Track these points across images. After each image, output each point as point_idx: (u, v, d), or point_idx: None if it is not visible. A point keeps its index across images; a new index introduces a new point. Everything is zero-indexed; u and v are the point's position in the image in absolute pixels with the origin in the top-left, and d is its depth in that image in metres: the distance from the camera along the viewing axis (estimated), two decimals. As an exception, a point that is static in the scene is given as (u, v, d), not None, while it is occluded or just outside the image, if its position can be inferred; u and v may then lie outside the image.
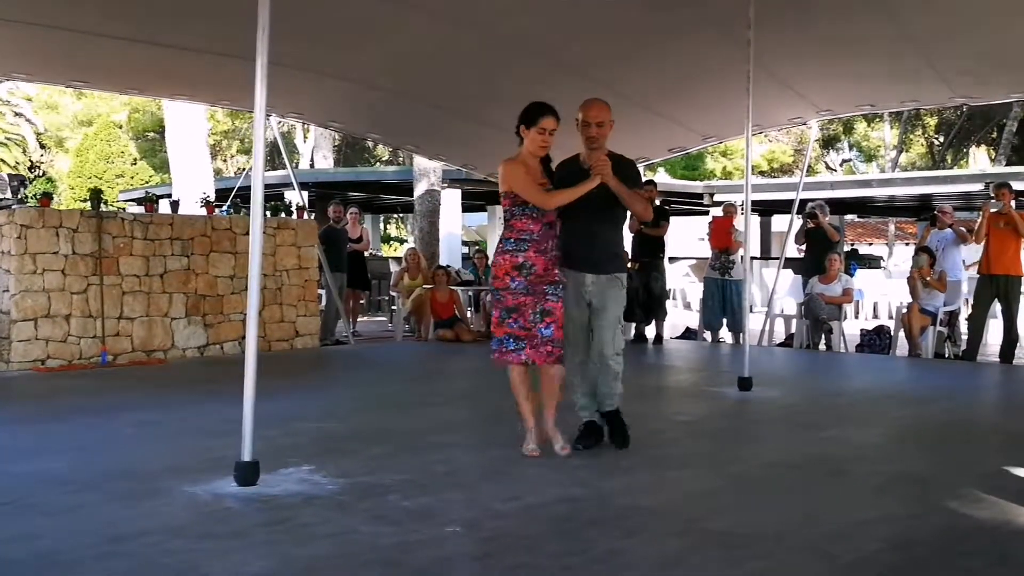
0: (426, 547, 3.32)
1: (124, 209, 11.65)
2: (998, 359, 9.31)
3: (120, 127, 30.65)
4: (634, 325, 11.35)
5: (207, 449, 4.84)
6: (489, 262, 12.75)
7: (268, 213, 10.34)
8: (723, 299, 10.96)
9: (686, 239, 21.76)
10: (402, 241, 38.11)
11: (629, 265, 11.26)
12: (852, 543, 3.39)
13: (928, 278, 9.74)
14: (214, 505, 3.84)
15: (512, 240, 4.71)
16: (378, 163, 35.81)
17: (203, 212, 9.76)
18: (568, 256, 4.82)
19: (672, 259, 18.40)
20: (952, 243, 10.51)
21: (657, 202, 11.86)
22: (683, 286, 19.06)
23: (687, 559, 3.23)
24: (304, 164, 30.15)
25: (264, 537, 3.44)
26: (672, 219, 12.63)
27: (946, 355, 9.90)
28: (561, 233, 4.83)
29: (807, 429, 5.69)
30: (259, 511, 3.78)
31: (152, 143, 31.66)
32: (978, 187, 16.71)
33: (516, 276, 4.66)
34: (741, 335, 9.41)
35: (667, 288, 12.27)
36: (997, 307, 9.41)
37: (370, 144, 33.58)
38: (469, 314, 12.36)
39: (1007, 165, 27.12)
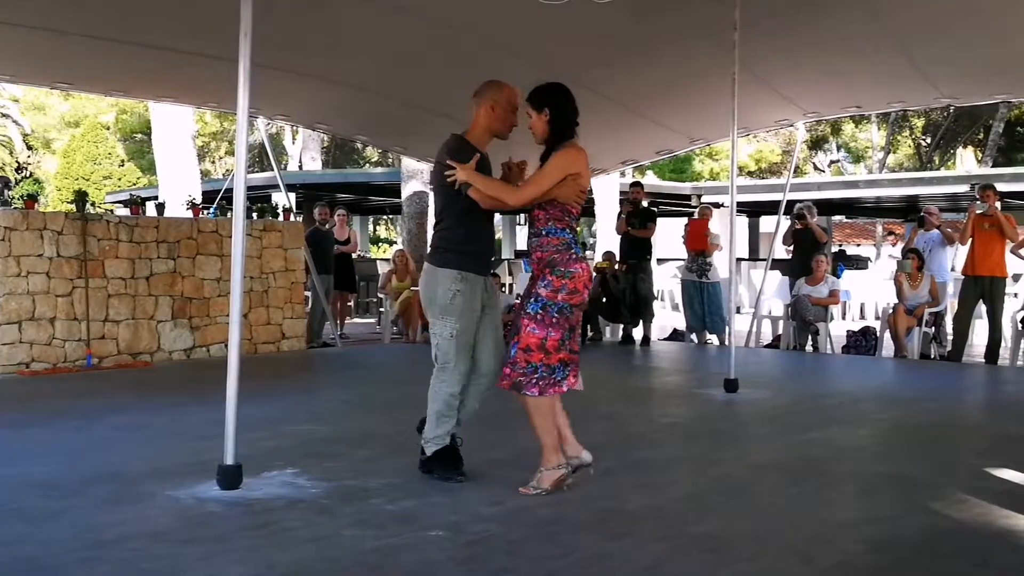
0: (409, 551, 3.31)
1: (111, 211, 11.58)
2: (983, 360, 9.35)
3: (107, 128, 30.55)
4: (622, 327, 11.38)
5: (191, 452, 4.82)
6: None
7: (255, 215, 10.31)
8: (702, 301, 11.02)
9: (674, 240, 21.76)
10: (391, 243, 38.08)
11: (616, 267, 11.30)
12: (834, 545, 3.40)
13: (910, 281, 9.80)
14: (197, 509, 3.83)
15: (577, 243, 4.17)
16: (367, 164, 35.77)
17: (189, 214, 9.73)
18: (475, 257, 4.28)
19: (660, 260, 18.43)
20: (939, 244, 10.57)
21: (645, 204, 11.87)
22: (671, 287, 19.07)
23: (670, 563, 3.23)
24: (293, 166, 30.09)
25: (247, 542, 3.43)
26: (660, 220, 12.65)
27: (932, 356, 9.94)
28: (467, 231, 4.24)
29: (792, 431, 5.71)
30: (242, 515, 3.77)
31: (140, 144, 31.54)
32: (964, 188, 16.80)
33: (590, 286, 4.16)
34: (727, 337, 9.43)
35: (655, 289, 12.30)
36: (982, 308, 9.45)
37: (359, 145, 33.56)
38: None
39: (993, 166, 27.28)
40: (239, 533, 3.55)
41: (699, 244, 11.14)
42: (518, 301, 12.66)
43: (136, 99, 17.42)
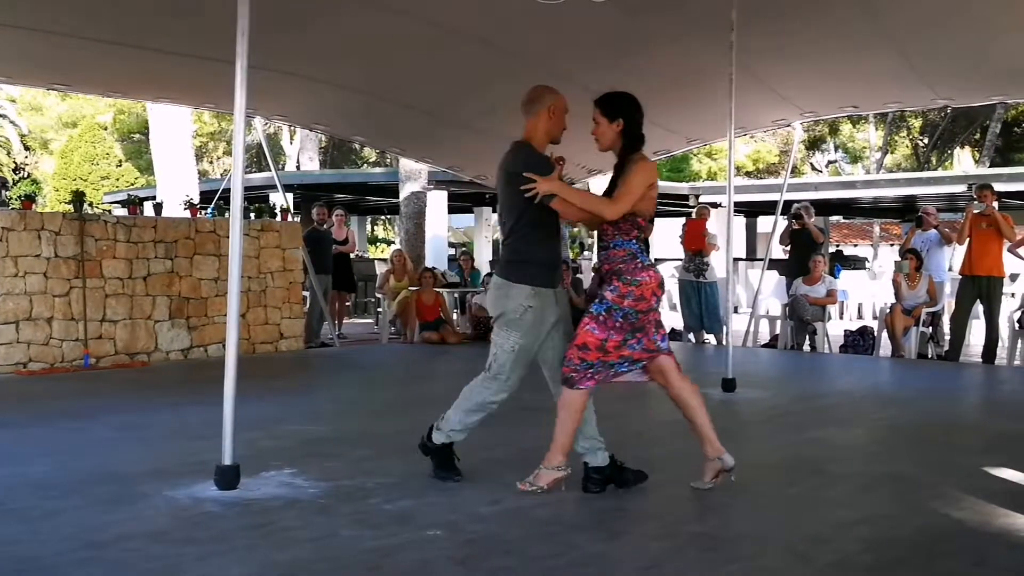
0: (407, 551, 3.31)
1: (109, 211, 11.57)
2: (980, 359, 9.36)
3: (105, 129, 30.53)
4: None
5: (188, 453, 4.82)
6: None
7: (252, 215, 10.30)
8: (699, 301, 11.02)
9: (672, 240, 21.78)
10: (389, 243, 38.06)
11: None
12: (832, 544, 3.40)
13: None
14: (194, 509, 3.82)
15: (645, 251, 4.17)
16: (365, 165, 35.76)
17: (187, 214, 9.72)
18: (548, 270, 4.22)
19: (658, 260, 18.44)
20: (936, 244, 10.58)
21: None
22: (670, 287, 19.08)
23: (668, 562, 3.23)
24: (290, 166, 30.08)
25: (244, 542, 3.43)
26: (658, 220, 12.63)
27: (929, 355, 9.95)
28: (540, 243, 4.21)
29: (790, 430, 5.71)
30: (240, 515, 3.76)
31: (138, 145, 31.51)
32: (961, 188, 16.80)
33: (659, 294, 4.15)
34: (724, 336, 9.43)
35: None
36: (979, 308, 9.46)
37: (357, 146, 33.55)
38: (455, 316, 12.35)
39: (991, 166, 27.30)
40: (237, 533, 3.55)
41: (696, 244, 11.15)
42: None
43: (134, 100, 17.42)
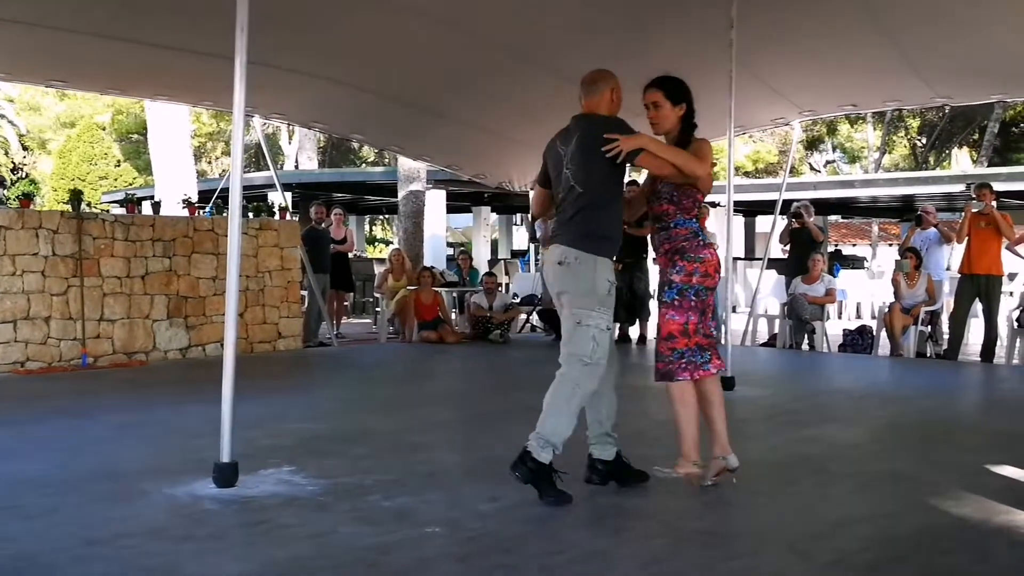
0: (406, 548, 3.30)
1: (107, 211, 11.54)
2: (979, 358, 9.36)
3: (103, 129, 30.48)
4: (618, 326, 11.38)
5: (187, 450, 4.80)
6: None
7: (251, 214, 10.29)
8: None
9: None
10: (387, 242, 38.05)
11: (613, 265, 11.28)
12: (832, 542, 3.39)
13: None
14: (193, 507, 3.81)
15: (703, 231, 4.19)
16: (364, 164, 35.74)
17: (185, 213, 9.71)
18: (618, 247, 4.13)
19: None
20: (936, 243, 10.58)
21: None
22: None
23: (668, 559, 3.22)
24: (289, 165, 30.06)
25: (243, 539, 3.42)
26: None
27: (928, 354, 9.95)
28: (616, 218, 4.11)
29: (789, 428, 5.70)
30: (238, 512, 3.75)
31: (136, 145, 31.49)
32: (960, 188, 16.81)
33: (720, 273, 4.15)
34: (723, 335, 9.42)
35: (651, 288, 12.29)
36: (978, 307, 9.45)
37: (355, 145, 33.54)
38: (453, 315, 12.34)
39: (989, 166, 27.32)
40: (235, 530, 3.54)
41: None
42: (516, 299, 12.65)
43: (132, 97, 17.38)
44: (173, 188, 14.42)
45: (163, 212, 9.97)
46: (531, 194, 4.32)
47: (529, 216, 10.23)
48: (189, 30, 7.44)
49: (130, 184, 25.92)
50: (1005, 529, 3.56)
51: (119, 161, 28.33)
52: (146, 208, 10.41)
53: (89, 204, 23.53)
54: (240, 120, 4.38)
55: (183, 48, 7.81)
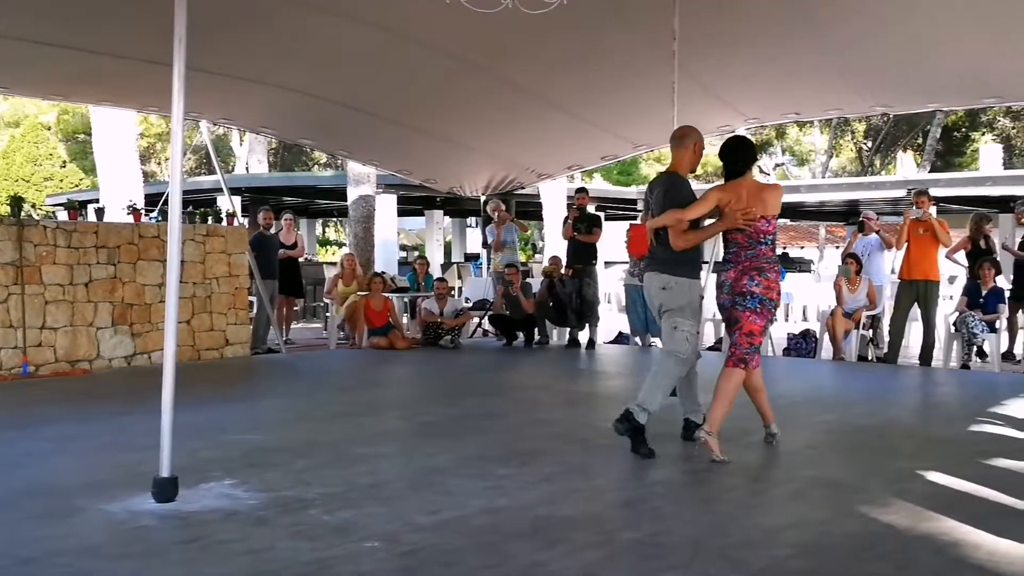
0: (344, 563, 3.31)
1: (52, 214, 11.36)
2: (918, 361, 9.58)
3: (48, 129, 29.94)
4: (568, 330, 11.46)
5: (127, 464, 4.76)
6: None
7: (198, 219, 10.19)
8: (643, 305, 11.10)
9: (620, 244, 22.00)
10: (340, 244, 37.81)
11: (563, 271, 11.38)
12: (764, 550, 3.47)
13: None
14: (130, 523, 3.78)
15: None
16: (316, 167, 35.51)
17: (130, 219, 9.59)
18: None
19: (608, 263, 18.57)
20: (877, 248, 10.81)
21: (591, 209, 11.97)
22: (617, 291, 19.24)
23: (604, 570, 3.28)
24: (240, 168, 29.76)
25: (180, 556, 3.41)
26: (606, 225, 12.75)
27: (869, 358, 10.16)
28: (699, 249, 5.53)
29: (730, 435, 5.76)
30: (176, 528, 3.74)
31: (82, 145, 30.94)
32: (902, 193, 17.17)
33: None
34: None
35: (600, 294, 12.40)
36: (917, 311, 9.68)
37: (307, 148, 33.29)
38: (404, 321, 12.33)
39: (931, 171, 27.92)
40: (173, 547, 3.53)
41: (641, 249, 11.20)
42: (468, 303, 12.78)
43: (76, 102, 17.09)
44: (119, 192, 14.18)
45: (108, 217, 9.83)
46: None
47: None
48: (131, 36, 7.35)
49: (76, 186, 25.50)
50: (930, 535, 3.67)
51: (64, 162, 27.86)
52: (91, 214, 10.23)
53: (34, 205, 23.14)
54: (179, 132, 4.36)
55: (125, 55, 7.72)
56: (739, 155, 5.22)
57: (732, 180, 5.18)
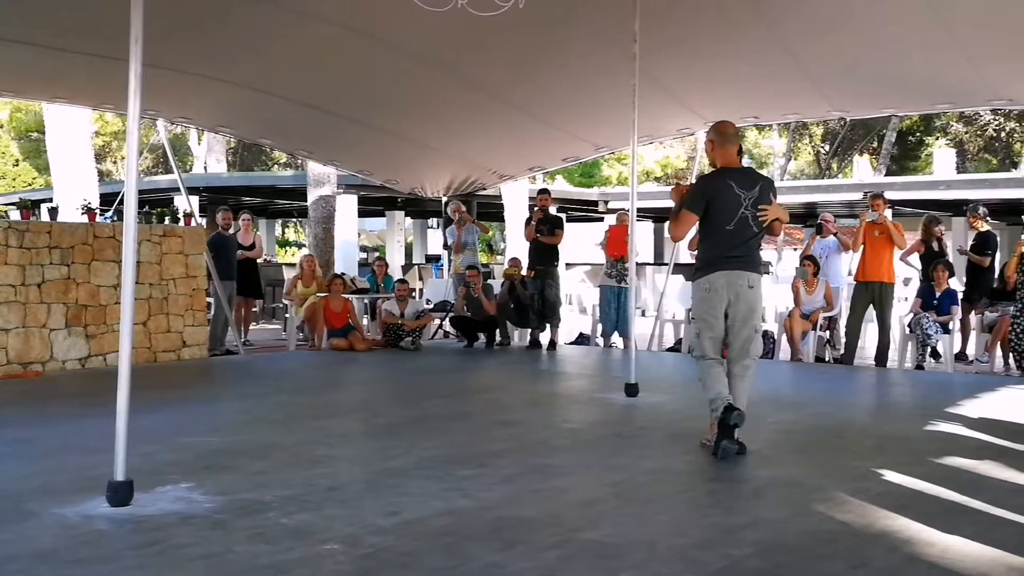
0: (303, 566, 3.29)
1: (5, 214, 11.14)
2: (873, 362, 9.73)
3: (1, 127, 29.38)
4: (529, 332, 11.48)
5: (81, 468, 4.69)
6: (387, 271, 12.75)
7: (154, 219, 10.05)
8: (618, 306, 11.15)
9: (582, 245, 22.11)
10: (300, 245, 37.52)
11: (524, 273, 11.39)
12: (721, 550, 3.50)
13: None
14: (84, 528, 3.72)
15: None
16: (275, 166, 35.22)
17: (84, 219, 9.43)
18: None
19: (569, 265, 18.62)
20: (835, 251, 10.97)
21: (553, 210, 11.99)
22: (579, 292, 19.32)
23: (563, 571, 3.29)
24: (198, 167, 29.43)
25: (134, 561, 3.36)
26: (568, 226, 12.80)
27: (826, 359, 10.30)
28: None
29: (688, 436, 5.82)
30: (131, 533, 3.68)
31: (36, 143, 30.36)
32: (859, 196, 17.43)
33: None
34: (631, 341, 9.59)
35: (562, 294, 12.43)
36: (873, 312, 9.82)
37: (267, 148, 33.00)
38: (364, 322, 12.26)
39: (887, 175, 28.37)
40: (128, 552, 3.47)
41: (621, 250, 11.21)
42: (429, 304, 12.94)
43: (29, 99, 16.78)
44: (73, 192, 13.94)
45: (62, 217, 9.66)
46: (680, 215, 5.40)
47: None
48: (87, 33, 7.24)
49: (29, 185, 25.07)
50: (884, 534, 3.72)
51: (17, 160, 27.38)
52: (44, 214, 10.06)
53: (-15, 206, 22.70)
54: (135, 131, 4.30)
55: (82, 52, 7.60)
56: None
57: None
